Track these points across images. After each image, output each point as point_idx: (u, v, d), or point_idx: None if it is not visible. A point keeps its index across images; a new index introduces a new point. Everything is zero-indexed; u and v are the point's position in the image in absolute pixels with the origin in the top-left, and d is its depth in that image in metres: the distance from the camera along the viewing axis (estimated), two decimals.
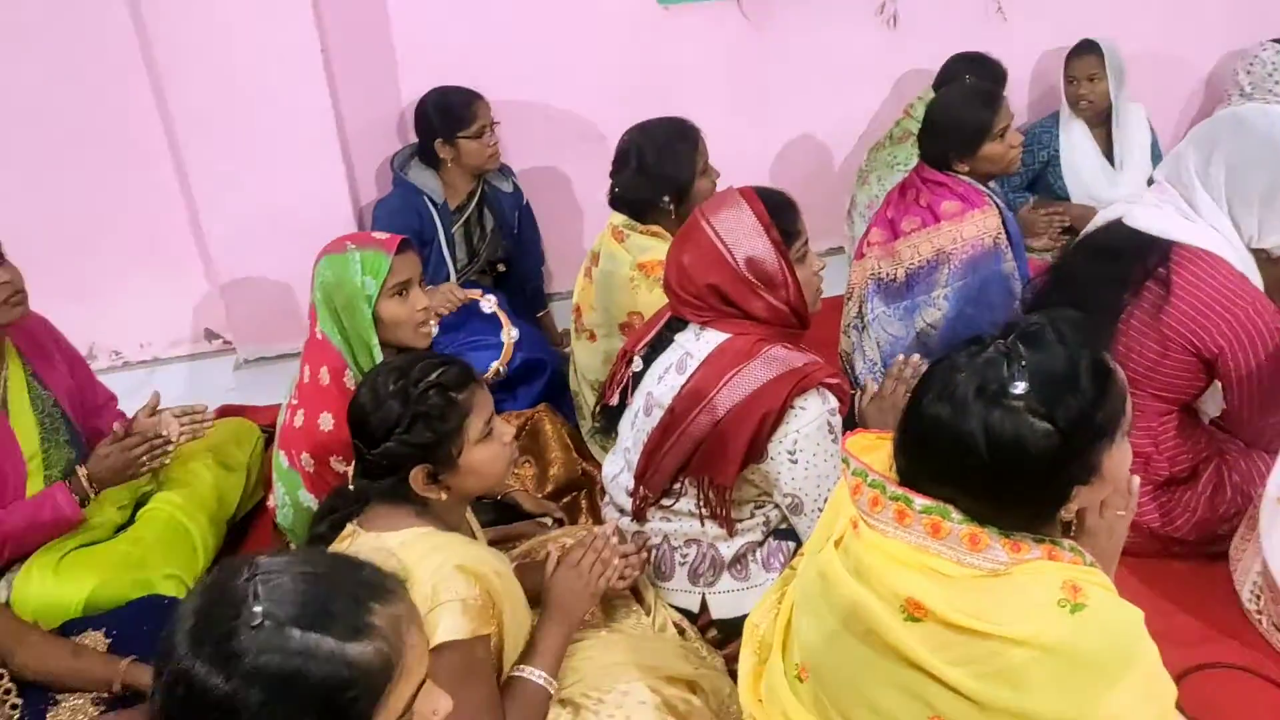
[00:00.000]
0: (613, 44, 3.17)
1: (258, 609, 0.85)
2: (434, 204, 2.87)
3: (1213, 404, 2.12)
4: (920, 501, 1.14)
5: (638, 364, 1.93)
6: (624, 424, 1.95)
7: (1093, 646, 1.06)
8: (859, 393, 2.05)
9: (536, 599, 1.68)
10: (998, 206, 2.47)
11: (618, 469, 1.95)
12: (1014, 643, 1.06)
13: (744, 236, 1.75)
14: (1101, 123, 3.34)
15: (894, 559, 1.15)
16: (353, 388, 1.91)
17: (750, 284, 1.75)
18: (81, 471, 2.01)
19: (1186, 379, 1.96)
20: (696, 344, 1.81)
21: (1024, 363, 1.12)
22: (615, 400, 1.97)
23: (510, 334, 2.51)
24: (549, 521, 2.14)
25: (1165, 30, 3.64)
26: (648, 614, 1.81)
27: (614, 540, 1.69)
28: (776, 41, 3.30)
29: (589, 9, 3.11)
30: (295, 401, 2.01)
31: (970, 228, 2.44)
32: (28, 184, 2.83)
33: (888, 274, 2.49)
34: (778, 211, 1.77)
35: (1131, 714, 1.07)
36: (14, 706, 1.66)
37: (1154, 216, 2.00)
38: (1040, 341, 1.14)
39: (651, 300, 2.29)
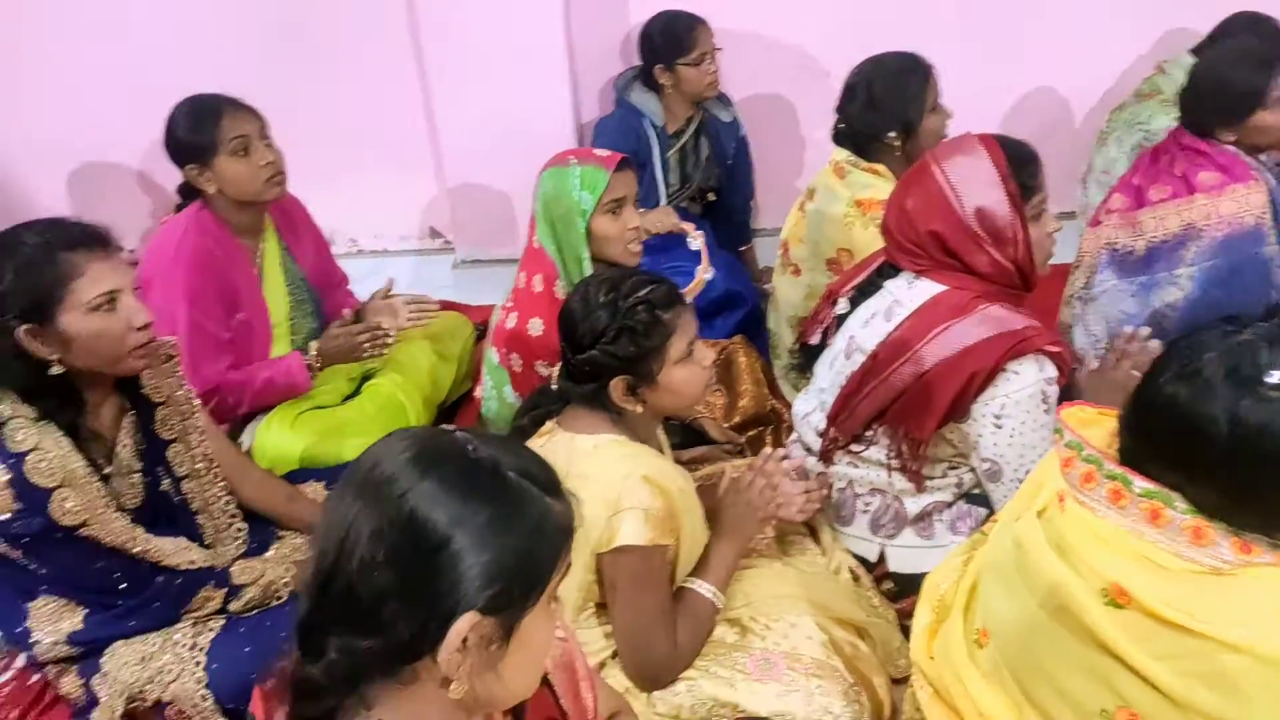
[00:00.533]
0: None
1: (483, 452, 0.91)
2: (653, 127, 2.90)
3: None
4: (1140, 484, 1.08)
5: (843, 305, 1.89)
6: (821, 364, 1.93)
7: None
8: (1078, 365, 1.93)
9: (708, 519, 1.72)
10: (1266, 183, 2.22)
11: (810, 408, 1.94)
12: (1229, 648, 0.99)
13: (977, 185, 1.66)
14: None
15: (1101, 540, 1.09)
16: (562, 297, 1.99)
17: (977, 236, 1.67)
18: (313, 346, 2.24)
19: None
20: (908, 292, 1.76)
21: None
22: (815, 340, 1.96)
23: (705, 272, 2.44)
24: (733, 449, 2.17)
25: None
26: (823, 554, 1.81)
27: (783, 465, 1.68)
28: None
29: None
30: (510, 305, 2.12)
31: (1229, 203, 2.21)
32: (289, 80, 3.06)
33: (1125, 245, 2.31)
34: (1019, 163, 1.67)
35: None
36: (239, 529, 1.89)
37: None
38: None
39: (865, 239, 2.24)
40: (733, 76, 3.05)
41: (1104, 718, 1.09)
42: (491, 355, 2.16)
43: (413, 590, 0.86)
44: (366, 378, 2.46)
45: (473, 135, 3.08)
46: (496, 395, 2.16)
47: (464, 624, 0.86)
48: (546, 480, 0.95)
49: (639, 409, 1.58)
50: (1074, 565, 1.10)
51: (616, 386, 1.56)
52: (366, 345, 2.24)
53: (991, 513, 1.76)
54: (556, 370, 1.69)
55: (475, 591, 0.86)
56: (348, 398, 2.40)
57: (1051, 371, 1.65)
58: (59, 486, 1.56)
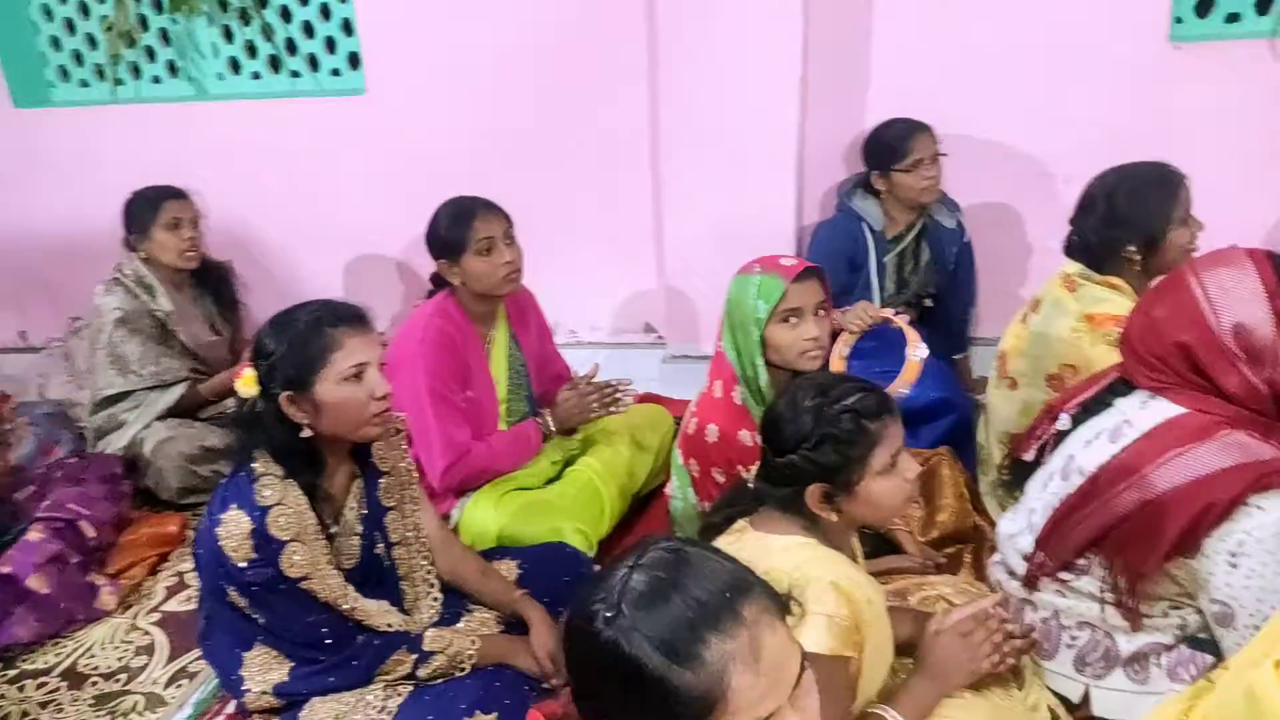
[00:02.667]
0: (1102, 81, 2.94)
1: (619, 602, 0.93)
2: (870, 231, 2.90)
3: None
4: None
5: (1065, 422, 1.78)
6: (1034, 483, 1.82)
7: None
8: None
9: (903, 646, 1.64)
10: None
11: (1017, 529, 1.82)
12: None
13: (1240, 300, 1.55)
14: None
15: None
16: (739, 403, 2.01)
17: (1230, 354, 1.55)
18: (546, 412, 2.43)
19: None
20: (1141, 413, 1.63)
21: None
22: (1029, 456, 1.85)
23: (917, 351, 2.30)
24: (929, 565, 2.06)
25: None
26: (1020, 689, 1.67)
27: (1005, 617, 1.61)
28: None
29: (1084, 41, 2.92)
30: (694, 409, 2.15)
31: None
32: (531, 177, 3.33)
33: None
34: None
35: None
36: (435, 599, 2.00)
37: None
38: None
39: (1092, 356, 2.10)
40: (961, 182, 3.01)
41: None
42: (677, 456, 2.19)
43: None
44: (569, 463, 2.57)
45: (695, 233, 3.19)
46: (682, 496, 2.18)
47: None
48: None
49: (834, 518, 1.54)
50: None
51: (813, 494, 1.53)
52: (595, 405, 2.40)
53: (1220, 660, 1.56)
54: (754, 470, 1.69)
55: None
56: (549, 481, 2.51)
57: None
58: (291, 540, 1.73)
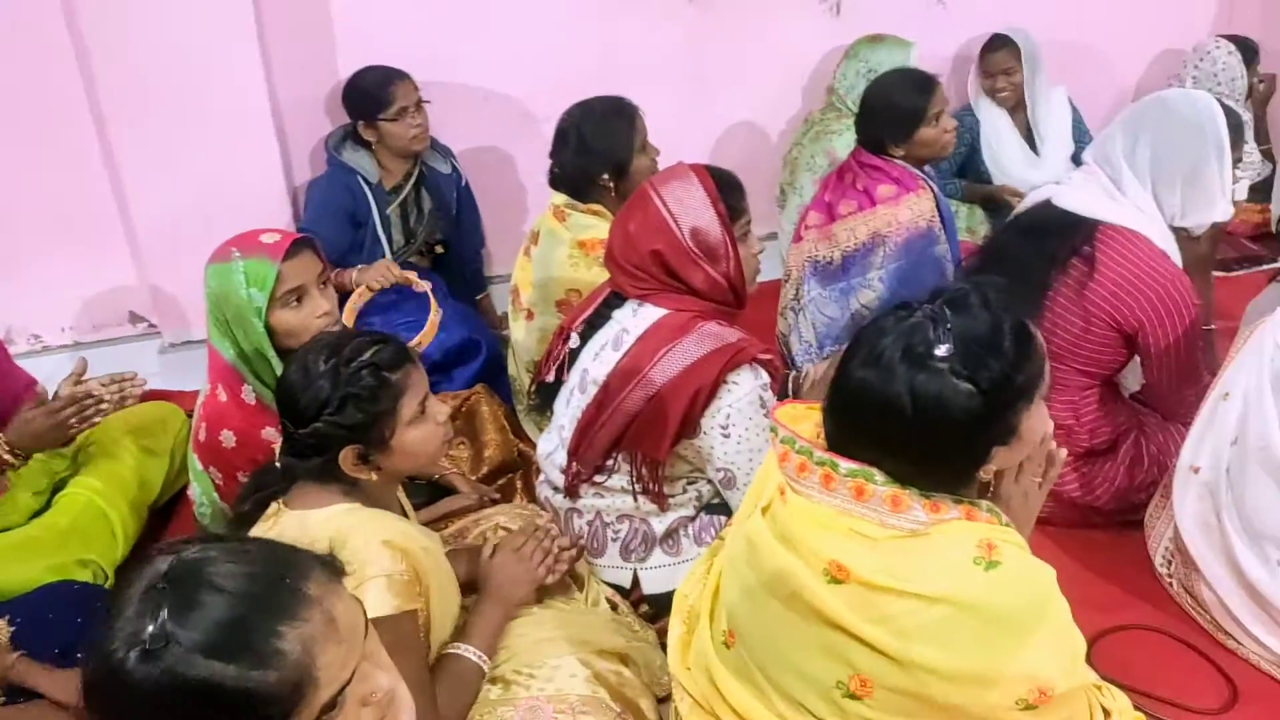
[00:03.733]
0: (554, 26, 3.15)
1: (160, 630, 0.81)
2: (368, 184, 2.82)
3: (1133, 378, 2.18)
4: (846, 465, 1.15)
5: (574, 340, 1.92)
6: (559, 401, 1.94)
7: (1007, 602, 1.08)
8: (796, 374, 2.06)
9: (468, 585, 1.66)
10: (932, 190, 2.50)
11: (552, 446, 1.93)
12: (931, 600, 1.08)
13: (691, 208, 1.77)
14: (1021, 109, 3.39)
15: (819, 523, 1.16)
16: (253, 402, 1.82)
17: (693, 255, 1.76)
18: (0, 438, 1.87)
19: (1108, 354, 2.01)
20: (634, 320, 1.81)
21: (949, 326, 1.13)
22: (551, 377, 1.96)
23: (436, 313, 2.27)
24: (486, 500, 2.12)
25: (1110, 18, 3.73)
26: (580, 589, 1.80)
27: (554, 532, 1.69)
28: (720, 28, 3.30)
29: None
30: (201, 414, 1.90)
31: (905, 211, 2.47)
32: None
33: (824, 256, 2.51)
34: (725, 188, 1.80)
35: (1043, 668, 1.09)
36: None
37: (1081, 197, 2.05)
38: (965, 306, 1.16)
39: (590, 278, 2.28)
40: (449, 127, 3.04)
41: (840, 689, 1.14)
42: (194, 460, 1.95)
43: None
44: (58, 488, 2.14)
45: (169, 205, 2.84)
46: (208, 501, 1.96)
47: None
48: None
49: (373, 477, 1.49)
50: (798, 552, 1.16)
51: (346, 457, 1.45)
52: (73, 420, 1.86)
53: (729, 518, 1.82)
54: (279, 446, 1.57)
55: None
56: (36, 514, 2.07)
57: (765, 377, 1.75)
58: None
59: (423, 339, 2.18)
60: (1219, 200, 1.98)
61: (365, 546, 1.40)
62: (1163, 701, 1.71)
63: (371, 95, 2.75)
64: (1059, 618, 1.12)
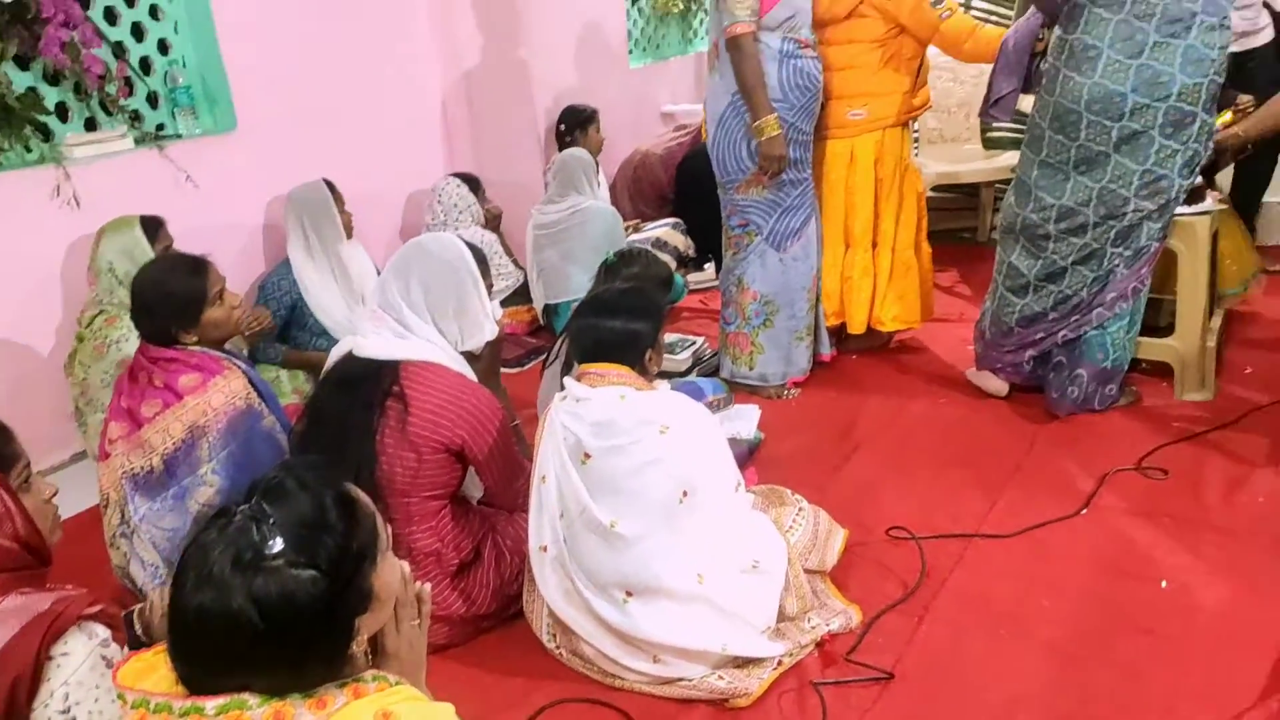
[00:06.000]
0: None
1: None
2: None
3: (474, 486, 2.39)
4: (212, 704, 1.05)
5: None
6: None
7: None
8: (143, 608, 1.82)
9: None
10: (239, 367, 2.44)
11: None
12: None
13: None
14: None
15: None
16: None
17: None
18: None
19: (446, 474, 2.18)
20: None
21: (273, 520, 1.10)
22: None
23: None
24: None
25: (381, 169, 4.17)
26: None
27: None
28: None
29: None
30: None
31: (217, 396, 2.36)
32: None
33: (142, 467, 2.28)
34: None
35: None
36: None
37: (376, 343, 2.20)
38: (283, 494, 1.14)
39: None
40: None
41: None
42: None
43: None
44: None
45: None
46: None
47: None
48: None
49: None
50: None
51: None
52: None
53: None
54: None
55: None
56: None
57: (103, 633, 1.50)
58: None
59: None
60: (485, 324, 2.29)
61: None
62: None
63: None
64: None
